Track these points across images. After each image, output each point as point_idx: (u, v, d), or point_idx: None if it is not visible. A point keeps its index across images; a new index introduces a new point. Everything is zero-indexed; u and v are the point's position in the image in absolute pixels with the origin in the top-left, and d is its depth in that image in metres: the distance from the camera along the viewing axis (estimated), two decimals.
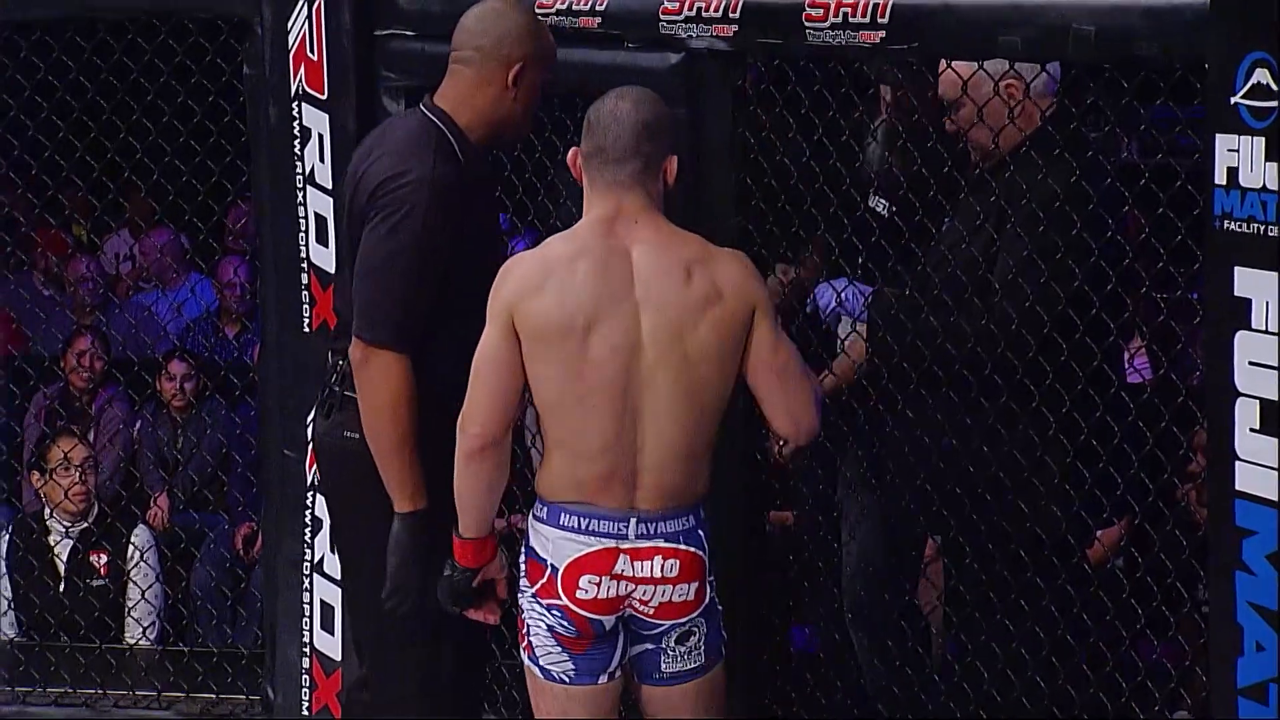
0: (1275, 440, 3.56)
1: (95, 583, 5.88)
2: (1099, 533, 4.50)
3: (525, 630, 3.74)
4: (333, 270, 4.63)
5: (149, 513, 6.33)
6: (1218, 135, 3.60)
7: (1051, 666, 4.20)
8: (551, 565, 3.69)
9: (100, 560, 5.92)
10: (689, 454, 3.69)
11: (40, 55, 4.99)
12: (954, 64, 4.19)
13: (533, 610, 3.73)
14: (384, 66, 4.63)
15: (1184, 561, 4.06)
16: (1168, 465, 4.13)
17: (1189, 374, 4.69)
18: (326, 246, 4.66)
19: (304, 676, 4.87)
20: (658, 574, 3.68)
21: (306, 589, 4.83)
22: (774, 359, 3.71)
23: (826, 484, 4.74)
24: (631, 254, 3.66)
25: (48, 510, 5.96)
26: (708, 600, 3.76)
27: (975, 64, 4.11)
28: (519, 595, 3.76)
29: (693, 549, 3.71)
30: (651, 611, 3.70)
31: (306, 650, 4.86)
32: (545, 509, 3.71)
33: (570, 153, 3.76)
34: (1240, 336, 3.60)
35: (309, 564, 4.83)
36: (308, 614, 4.83)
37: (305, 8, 4.60)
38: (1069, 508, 4.19)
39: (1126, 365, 5.69)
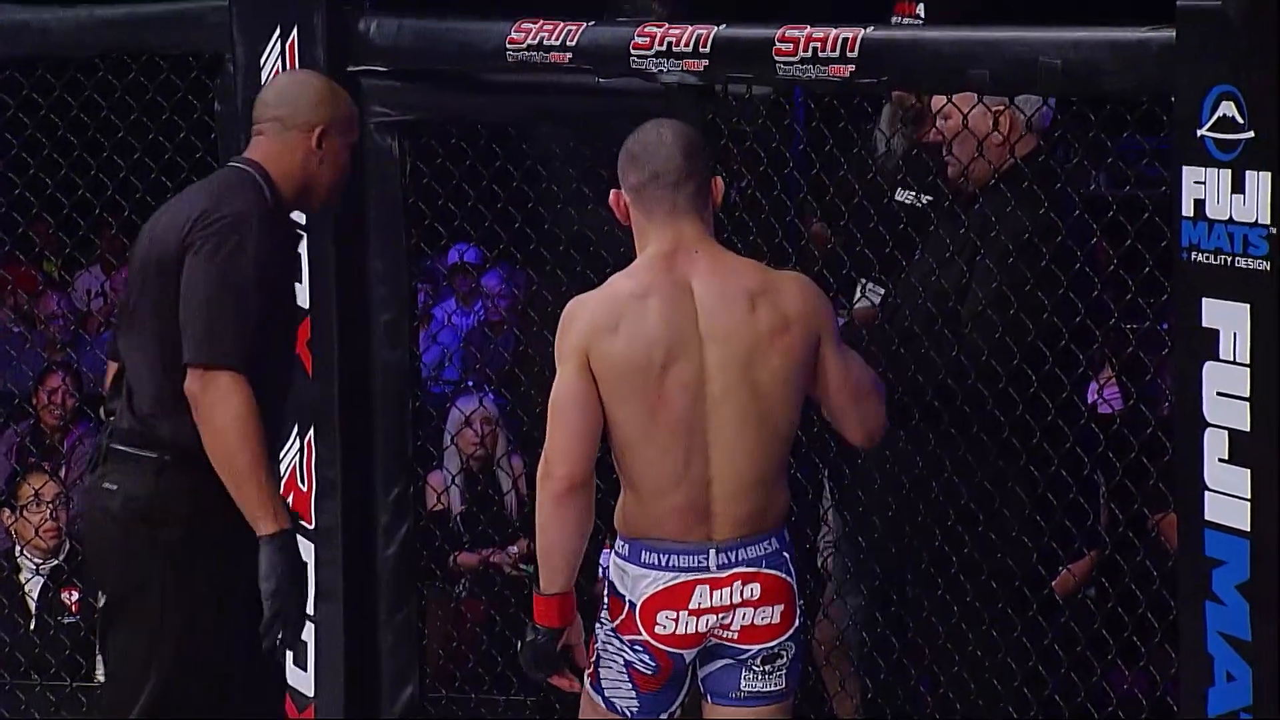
0: (1247, 471, 3.58)
1: (66, 620, 5.85)
2: (1069, 564, 4.52)
3: (595, 660, 3.73)
4: (307, 306, 4.63)
5: None
6: (1184, 168, 3.64)
7: (1024, 697, 4.21)
8: (630, 601, 3.68)
9: (71, 598, 5.90)
10: (761, 480, 3.69)
11: (9, 92, 4.98)
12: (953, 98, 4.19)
13: (610, 644, 3.72)
14: (374, 103, 4.63)
15: (1154, 592, 4.08)
16: (1137, 495, 4.15)
17: (1158, 404, 4.72)
18: (300, 282, 4.65)
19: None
20: (737, 599, 3.67)
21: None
22: (846, 380, 3.74)
23: (815, 496, 4.73)
24: (693, 288, 3.67)
25: (18, 548, 5.95)
26: (796, 624, 3.74)
27: (975, 96, 4.12)
28: (596, 626, 3.74)
29: (775, 572, 3.70)
30: (736, 636, 3.70)
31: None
32: (626, 546, 3.71)
33: (612, 196, 3.74)
34: (1209, 367, 3.63)
35: None
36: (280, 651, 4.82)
37: (279, 44, 4.60)
38: (1038, 538, 4.20)
39: (1096, 396, 5.74)
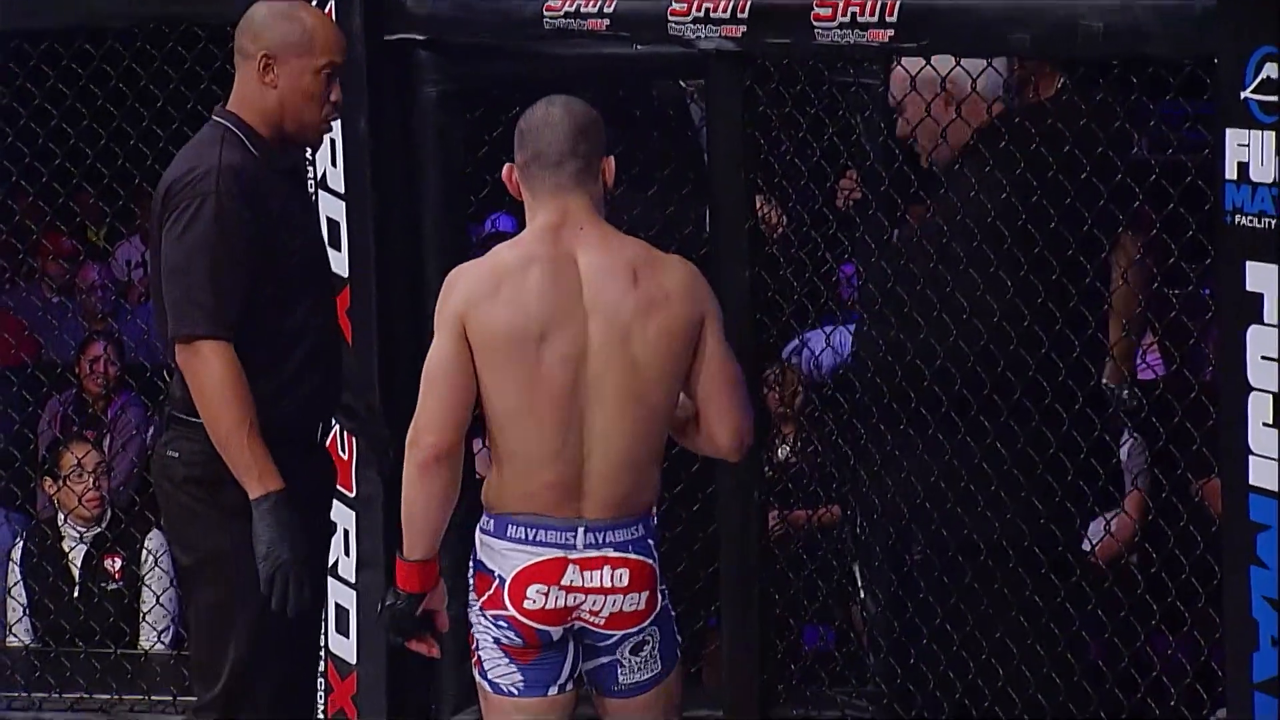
0: None
1: (110, 587, 5.88)
2: (1112, 526, 4.51)
3: (475, 645, 3.71)
4: (346, 274, 4.64)
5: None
6: (1228, 130, 3.63)
7: (1067, 664, 4.20)
8: (499, 576, 3.64)
9: (114, 565, 5.93)
10: (635, 462, 3.64)
11: (49, 63, 5.00)
12: (903, 62, 4.21)
13: (480, 623, 3.69)
14: (420, 71, 4.63)
15: (1198, 557, 4.07)
16: (1180, 460, 4.14)
17: (1201, 370, 4.70)
18: (339, 250, 4.66)
19: (319, 680, 4.88)
20: (607, 584, 3.64)
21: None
22: (723, 370, 3.66)
23: (844, 486, 4.73)
24: (578, 260, 3.62)
25: (61, 516, 5.97)
26: (659, 608, 3.72)
27: (922, 61, 4.14)
28: (468, 610, 3.72)
29: (642, 557, 3.67)
30: (602, 622, 3.66)
31: (321, 654, 4.86)
32: (492, 521, 3.67)
33: (505, 169, 3.71)
34: (1252, 331, 3.61)
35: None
36: (323, 617, 4.83)
37: None
38: (1050, 504, 4.20)
39: (1139, 361, 5.72)
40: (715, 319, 3.66)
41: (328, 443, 4.61)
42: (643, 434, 3.63)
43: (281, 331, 3.87)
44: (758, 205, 4.39)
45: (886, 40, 4.04)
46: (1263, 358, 3.61)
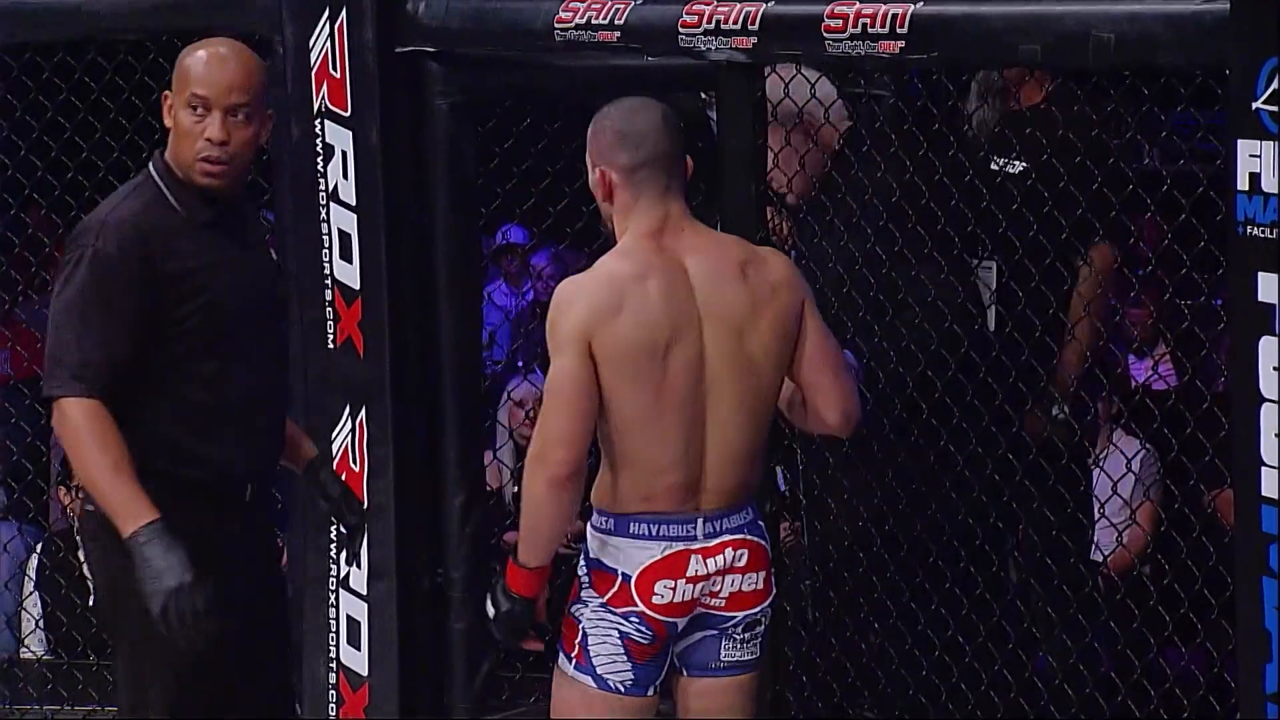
0: None
1: None
2: (1125, 539, 4.53)
3: (581, 640, 3.72)
4: (357, 286, 4.65)
5: None
6: (1239, 141, 3.62)
7: (1078, 674, 4.21)
8: (623, 574, 3.68)
9: None
10: (748, 454, 3.72)
11: (62, 76, 5.02)
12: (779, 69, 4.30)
13: (602, 620, 3.71)
14: (430, 84, 4.65)
15: (1211, 568, 4.07)
16: (1193, 471, 4.15)
17: (1213, 380, 4.71)
18: (350, 263, 4.67)
19: (331, 692, 4.89)
20: (728, 564, 3.69)
21: (332, 604, 4.84)
22: (827, 352, 3.74)
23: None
24: (686, 265, 3.67)
25: (75, 527, 5.98)
26: (773, 592, 3.78)
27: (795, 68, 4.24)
28: (575, 607, 3.74)
29: (757, 539, 3.73)
30: (723, 604, 3.71)
31: (333, 665, 4.87)
32: (610, 520, 3.70)
33: (597, 174, 3.72)
34: (1264, 342, 3.61)
35: (334, 579, 4.84)
36: (334, 629, 4.84)
37: (327, 26, 4.62)
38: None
39: (1151, 372, 5.72)
40: (812, 302, 3.74)
41: (338, 457, 4.63)
42: (758, 426, 3.71)
43: (190, 388, 3.72)
44: (768, 216, 4.40)
45: (897, 51, 4.04)
46: (1274, 369, 3.60)
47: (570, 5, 4.42)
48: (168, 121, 3.76)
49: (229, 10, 4.72)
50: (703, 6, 4.27)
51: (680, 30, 4.29)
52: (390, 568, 4.72)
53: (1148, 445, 5.47)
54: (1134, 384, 5.76)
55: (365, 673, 4.82)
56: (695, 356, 3.65)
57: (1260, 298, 3.60)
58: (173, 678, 3.76)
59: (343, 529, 4.54)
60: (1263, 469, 3.62)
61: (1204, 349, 4.34)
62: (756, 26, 4.21)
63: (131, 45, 4.89)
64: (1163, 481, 5.38)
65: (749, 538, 3.72)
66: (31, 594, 5.93)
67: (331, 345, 4.75)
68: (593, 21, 4.39)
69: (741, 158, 4.31)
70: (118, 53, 4.96)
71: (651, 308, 3.63)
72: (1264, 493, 3.63)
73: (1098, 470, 5.02)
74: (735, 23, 4.23)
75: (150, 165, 3.78)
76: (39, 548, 6.04)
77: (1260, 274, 3.60)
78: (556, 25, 4.41)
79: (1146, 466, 5.55)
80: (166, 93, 3.76)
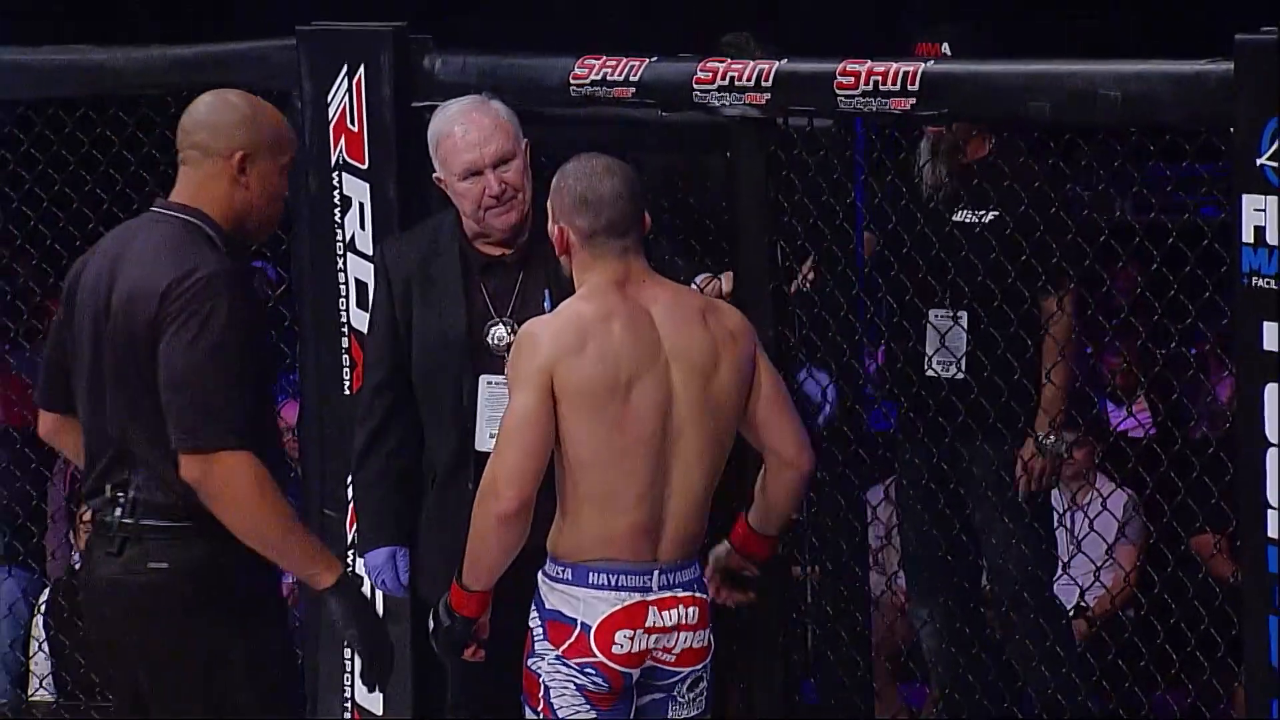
0: None
1: None
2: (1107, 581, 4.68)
3: (542, 693, 3.78)
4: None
5: None
6: (1244, 196, 3.76)
7: (1088, 713, 4.33)
8: (583, 624, 3.74)
9: None
10: (705, 500, 3.81)
11: (85, 130, 5.10)
12: None
13: (558, 671, 3.76)
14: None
15: (1191, 609, 4.20)
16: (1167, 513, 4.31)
17: (1187, 425, 4.86)
18: (366, 311, 4.75)
19: None
20: (682, 621, 3.77)
21: (347, 645, 4.90)
22: (778, 390, 3.86)
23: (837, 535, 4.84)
24: (651, 312, 3.78)
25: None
26: (713, 649, 3.85)
27: None
28: (531, 660, 3.80)
29: (703, 595, 3.83)
30: (674, 659, 3.78)
31: (348, 706, 4.93)
32: (569, 570, 3.77)
33: (556, 230, 3.82)
34: (1269, 389, 3.74)
35: None
36: (349, 670, 4.91)
37: (345, 80, 4.71)
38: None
39: (1127, 416, 5.86)
40: (761, 347, 3.87)
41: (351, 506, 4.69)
42: (715, 473, 3.80)
43: (265, 430, 3.80)
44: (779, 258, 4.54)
45: (908, 108, 4.15)
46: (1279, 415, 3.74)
47: (586, 61, 4.52)
48: (238, 181, 3.75)
49: (248, 66, 4.81)
50: (717, 64, 4.38)
51: (695, 86, 4.39)
52: (405, 610, 4.78)
53: (1128, 490, 5.59)
54: (1112, 429, 5.90)
55: (380, 712, 4.88)
56: (663, 398, 3.74)
57: (1265, 346, 3.74)
58: None
59: (359, 573, 4.63)
60: (1269, 511, 3.75)
61: (1176, 395, 4.53)
62: (770, 83, 4.32)
63: (153, 101, 4.97)
64: (1144, 524, 5.52)
65: (697, 594, 3.80)
66: (44, 640, 5.96)
67: (348, 392, 4.83)
68: (608, 78, 4.49)
69: (755, 209, 4.42)
70: (138, 107, 5.03)
71: (615, 345, 3.72)
72: (1270, 534, 3.76)
73: (1080, 513, 5.15)
74: (749, 79, 4.34)
75: (193, 221, 3.77)
76: (44, 595, 6.08)
77: (1265, 323, 3.74)
78: (573, 81, 4.51)
79: (1128, 509, 5.66)
80: (243, 153, 3.75)
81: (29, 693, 5.91)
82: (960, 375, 4.64)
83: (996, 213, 4.62)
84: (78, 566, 5.93)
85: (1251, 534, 3.79)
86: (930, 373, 4.69)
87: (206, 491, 3.66)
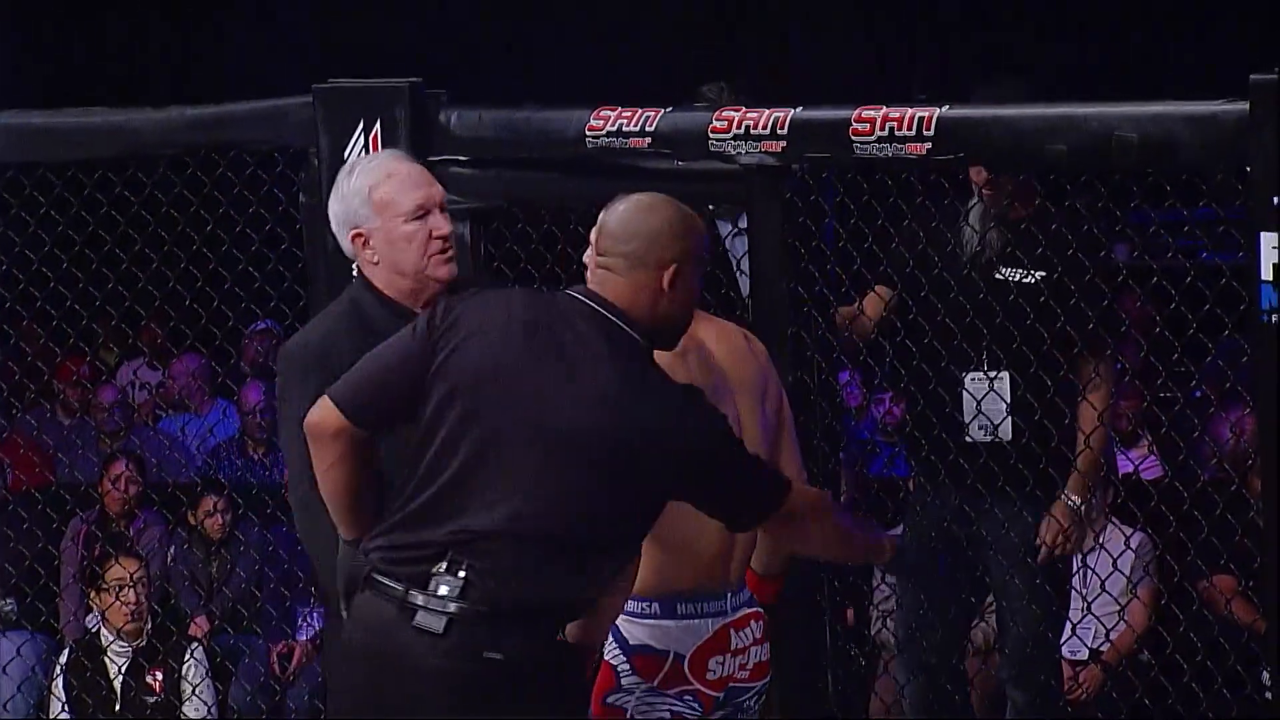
0: None
1: (151, 700, 5.95)
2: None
3: None
4: None
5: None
6: (1262, 234, 3.79)
7: None
8: (675, 654, 3.77)
9: (156, 679, 6.00)
10: None
11: (103, 190, 5.14)
12: None
13: (651, 703, 3.78)
14: (450, 190, 4.75)
15: (1202, 654, 4.23)
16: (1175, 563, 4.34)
17: (1197, 470, 4.89)
18: None
19: None
20: (754, 637, 3.82)
21: None
22: (790, 422, 3.91)
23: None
24: (706, 343, 3.80)
25: (106, 634, 6.06)
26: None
27: None
28: (615, 697, 3.79)
29: (760, 607, 3.86)
30: (748, 675, 3.82)
31: None
32: (655, 605, 3.79)
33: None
34: None
35: None
36: None
37: (362, 137, 4.74)
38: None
39: (1136, 462, 5.88)
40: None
41: None
42: None
43: None
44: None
45: (924, 153, 4.19)
46: None
47: (601, 113, 4.56)
48: (669, 294, 3.56)
49: (266, 125, 4.84)
50: (732, 112, 4.42)
51: (710, 135, 4.42)
52: None
53: (1146, 530, 5.60)
54: (1120, 474, 5.91)
55: None
56: (734, 424, 3.73)
57: None
58: None
59: None
60: None
61: (1184, 441, 4.54)
62: (785, 131, 4.35)
63: (171, 161, 5.01)
64: (1159, 567, 5.54)
65: (758, 608, 3.85)
66: (63, 704, 5.98)
67: None
68: (624, 129, 4.52)
69: (771, 255, 4.45)
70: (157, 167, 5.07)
71: (696, 380, 3.71)
72: None
73: (1095, 557, 5.17)
74: (764, 128, 4.37)
75: (633, 336, 3.58)
76: (63, 658, 6.11)
77: None
78: (588, 133, 4.54)
79: (1143, 553, 5.68)
80: (677, 264, 3.54)
81: None
82: (999, 439, 4.62)
83: (1043, 272, 4.61)
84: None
85: (1275, 571, 3.81)
86: (969, 439, 4.66)
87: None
